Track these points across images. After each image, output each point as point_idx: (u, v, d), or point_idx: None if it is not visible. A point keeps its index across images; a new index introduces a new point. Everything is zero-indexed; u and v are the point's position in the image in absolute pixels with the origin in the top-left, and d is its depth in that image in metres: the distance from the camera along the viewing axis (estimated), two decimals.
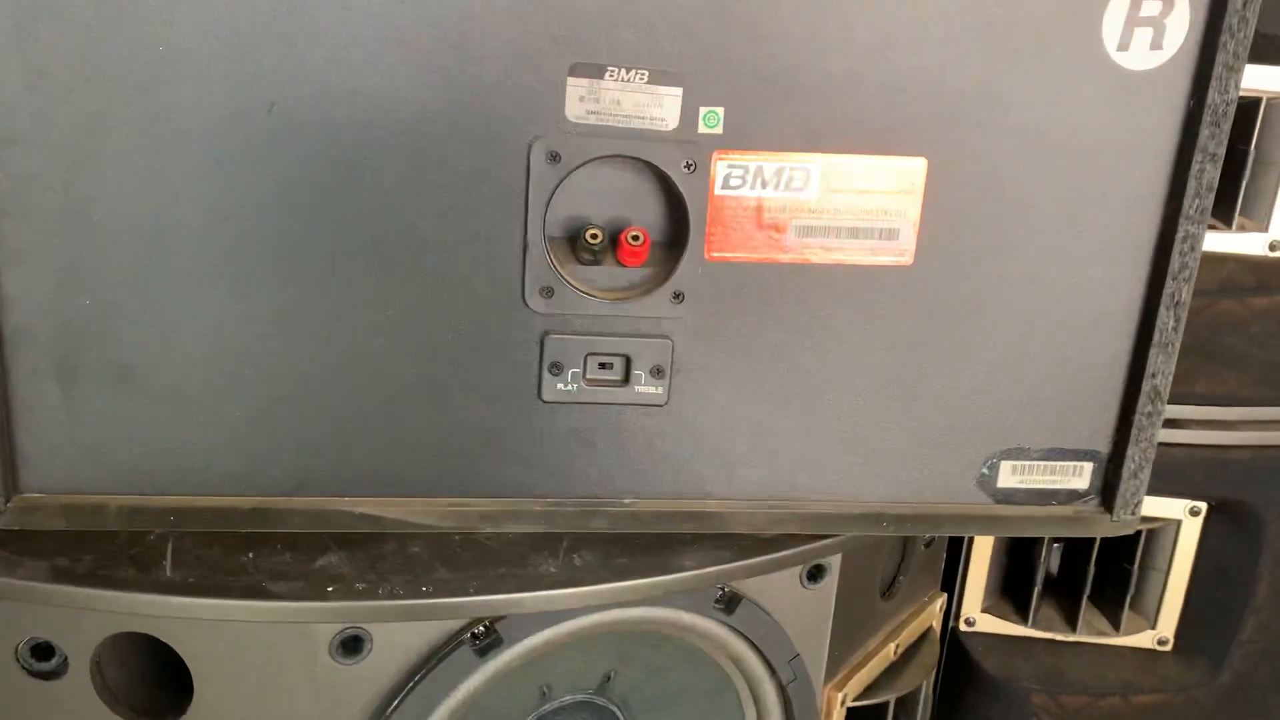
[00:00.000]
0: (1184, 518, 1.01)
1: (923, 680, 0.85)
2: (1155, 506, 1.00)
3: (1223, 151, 0.64)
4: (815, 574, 0.73)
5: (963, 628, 1.06)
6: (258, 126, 0.58)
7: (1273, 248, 0.94)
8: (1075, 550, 1.06)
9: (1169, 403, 0.94)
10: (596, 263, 0.64)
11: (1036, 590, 1.03)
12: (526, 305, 0.63)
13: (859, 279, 0.65)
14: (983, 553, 1.04)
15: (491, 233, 0.61)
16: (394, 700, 0.63)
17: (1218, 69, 0.63)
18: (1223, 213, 0.92)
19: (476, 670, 0.65)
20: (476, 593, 0.61)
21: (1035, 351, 0.69)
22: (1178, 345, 0.68)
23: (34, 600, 0.60)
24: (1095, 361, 0.69)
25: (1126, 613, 1.05)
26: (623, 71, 0.59)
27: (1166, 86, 0.64)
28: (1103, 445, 0.71)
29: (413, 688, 0.63)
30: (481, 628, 0.64)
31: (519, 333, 0.64)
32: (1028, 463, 0.71)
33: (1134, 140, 0.65)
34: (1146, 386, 0.69)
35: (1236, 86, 0.63)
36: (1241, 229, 0.93)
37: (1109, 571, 1.05)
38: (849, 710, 0.83)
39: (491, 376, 0.64)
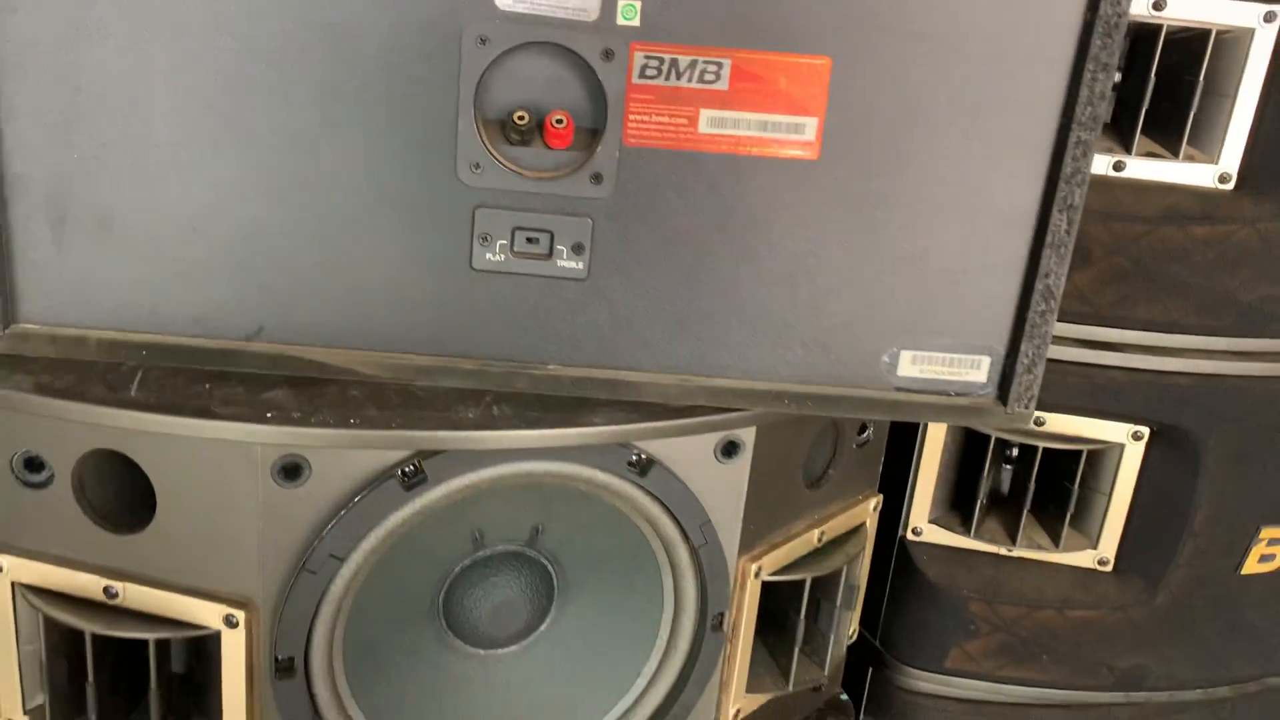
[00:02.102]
0: (1127, 442, 1.05)
1: (843, 565, 0.91)
2: (1098, 430, 1.04)
3: (1114, 62, 0.68)
4: (730, 449, 0.80)
5: (910, 537, 1.11)
6: (224, 4, 0.65)
7: (1222, 180, 0.96)
8: (1026, 469, 1.10)
9: (1108, 325, 0.99)
10: (525, 144, 0.70)
11: (979, 504, 1.08)
12: (459, 179, 0.70)
13: (767, 170, 0.71)
14: (930, 466, 1.09)
15: (429, 110, 0.68)
16: (328, 523, 0.71)
17: None
18: (1170, 143, 0.95)
19: (406, 504, 0.73)
20: (398, 429, 0.69)
21: (935, 250, 0.74)
22: (1070, 247, 0.73)
23: (21, 410, 0.69)
24: (993, 261, 0.74)
25: (1067, 531, 1.09)
26: None
27: None
28: (1000, 342, 0.76)
29: (345, 513, 0.71)
30: (411, 466, 0.72)
31: (452, 204, 0.71)
32: (927, 354, 0.76)
33: (1032, 50, 0.69)
34: (1040, 286, 0.74)
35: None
36: (1190, 159, 0.96)
37: (1058, 492, 1.10)
38: (770, 585, 0.89)
39: (429, 243, 0.72)
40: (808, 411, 0.77)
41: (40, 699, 0.77)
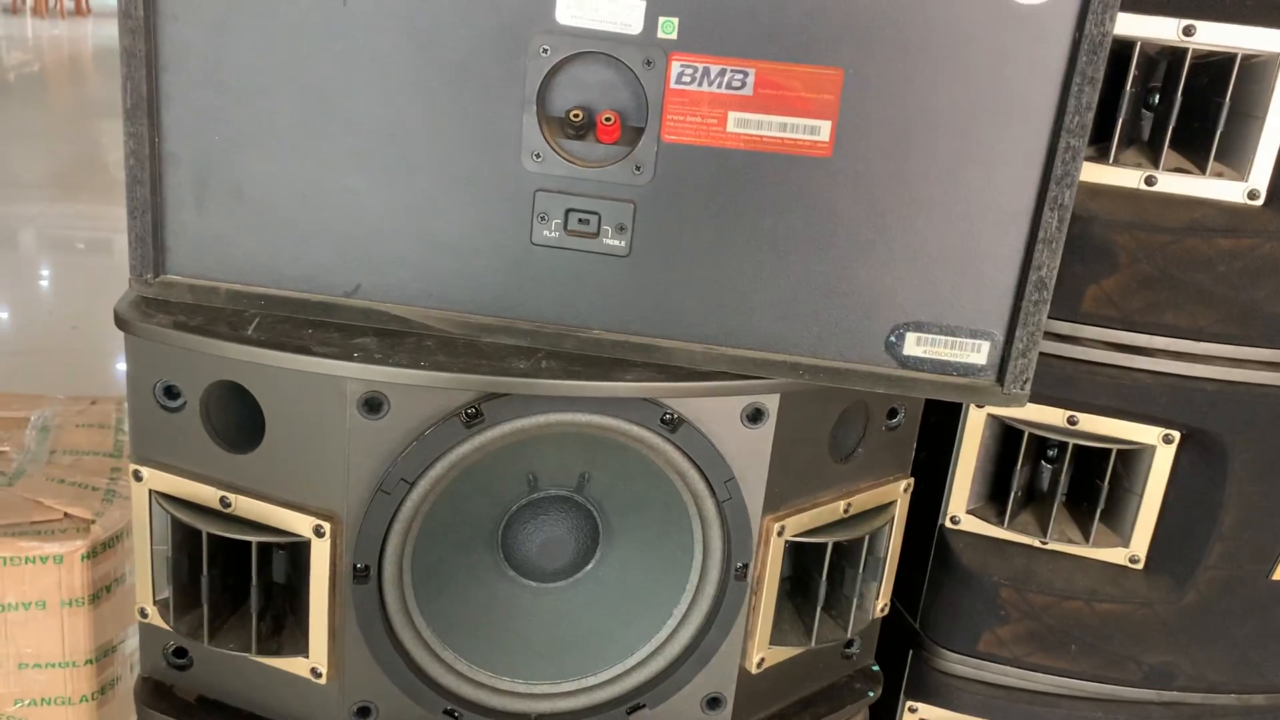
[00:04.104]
0: (1158, 444, 1.10)
1: (865, 535, 1.00)
2: (1129, 431, 1.10)
3: (1099, 76, 0.77)
4: (755, 416, 0.90)
5: (948, 525, 1.18)
6: (337, 17, 0.80)
7: (1251, 196, 1.02)
8: (1059, 466, 1.16)
9: (1136, 330, 1.05)
10: (580, 138, 0.83)
11: (1013, 496, 1.14)
12: (523, 165, 0.83)
13: (786, 165, 0.82)
14: (969, 459, 1.16)
15: (500, 107, 0.82)
16: (401, 452, 0.85)
17: (1095, 6, 0.75)
18: (1198, 159, 1.01)
19: (466, 441, 0.85)
20: (460, 372, 0.82)
21: (938, 242, 0.83)
22: (1061, 243, 0.81)
23: (164, 343, 0.85)
24: (992, 254, 0.83)
25: (1101, 528, 1.15)
26: None
27: (1054, 20, 0.77)
28: (999, 328, 0.85)
29: (415, 444, 0.85)
30: (472, 409, 0.85)
31: (516, 187, 0.84)
32: (930, 336, 0.85)
33: (1026, 64, 0.78)
34: (1033, 277, 0.82)
35: (1112, 21, 0.75)
36: (1219, 175, 1.02)
37: (1093, 490, 1.15)
38: (799, 549, 0.98)
39: (496, 220, 0.85)
40: (820, 382, 0.86)
41: (166, 593, 0.93)
